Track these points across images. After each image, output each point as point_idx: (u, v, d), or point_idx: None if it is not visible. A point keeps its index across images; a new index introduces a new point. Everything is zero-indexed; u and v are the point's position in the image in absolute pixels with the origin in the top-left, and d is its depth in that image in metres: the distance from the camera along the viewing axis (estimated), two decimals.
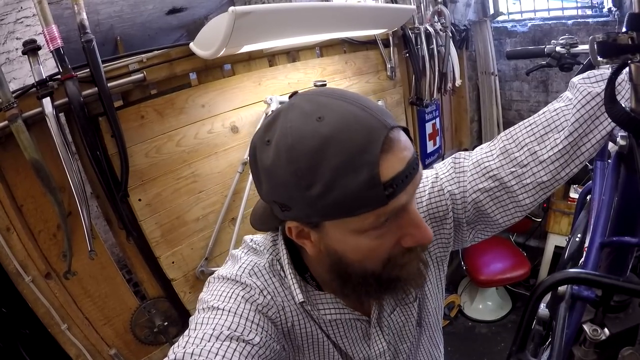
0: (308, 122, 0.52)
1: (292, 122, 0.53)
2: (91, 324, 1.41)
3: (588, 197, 1.50)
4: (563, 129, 0.71)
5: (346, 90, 0.58)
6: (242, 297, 0.65)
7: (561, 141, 0.71)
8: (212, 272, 0.74)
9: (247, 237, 0.78)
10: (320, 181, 0.51)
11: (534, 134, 0.74)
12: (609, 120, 0.67)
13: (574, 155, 0.72)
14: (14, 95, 1.15)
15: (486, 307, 3.13)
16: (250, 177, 1.64)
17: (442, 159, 3.01)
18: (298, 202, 0.55)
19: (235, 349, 0.56)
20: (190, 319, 0.64)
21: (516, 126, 0.77)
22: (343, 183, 0.51)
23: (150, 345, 1.56)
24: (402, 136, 0.56)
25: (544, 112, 0.75)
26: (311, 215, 0.56)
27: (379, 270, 0.62)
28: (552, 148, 0.72)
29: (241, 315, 0.62)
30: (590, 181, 1.46)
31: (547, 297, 1.12)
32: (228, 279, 0.68)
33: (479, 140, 3.68)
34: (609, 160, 1.20)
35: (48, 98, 1.17)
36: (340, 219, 0.55)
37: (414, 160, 0.56)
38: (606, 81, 0.62)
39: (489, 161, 0.76)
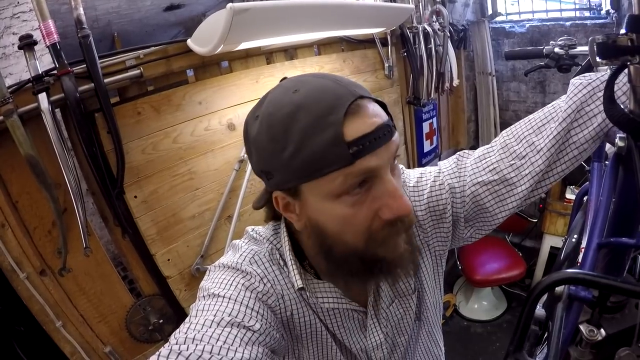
0: (286, 94, 0.58)
1: (274, 96, 0.60)
2: (86, 322, 1.40)
3: (585, 198, 1.51)
4: (558, 118, 0.73)
5: (328, 73, 0.65)
6: (243, 284, 0.66)
7: (555, 127, 0.72)
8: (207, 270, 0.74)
9: (249, 228, 0.79)
10: (291, 143, 0.55)
11: (532, 126, 0.76)
12: (601, 108, 0.68)
13: (567, 142, 0.73)
14: (9, 90, 1.14)
15: (481, 306, 3.14)
16: (247, 175, 1.64)
17: (439, 159, 3.03)
18: (276, 166, 0.59)
19: (236, 335, 0.56)
20: (191, 306, 0.64)
21: (516, 123, 0.79)
22: (310, 143, 0.54)
23: (145, 343, 1.55)
24: (373, 105, 0.59)
25: (542, 109, 0.77)
26: (288, 179, 0.59)
27: (360, 246, 0.62)
28: (547, 136, 0.73)
29: (241, 303, 0.62)
30: (587, 182, 1.46)
31: (544, 297, 1.12)
32: (229, 267, 0.69)
33: (476, 140, 3.70)
34: (606, 162, 1.21)
35: (44, 93, 1.16)
36: (311, 180, 0.57)
37: (386, 127, 0.58)
38: (605, 82, 0.62)
39: (489, 156, 0.78)
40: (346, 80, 0.61)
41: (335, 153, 0.54)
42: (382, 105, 0.62)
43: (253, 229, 0.78)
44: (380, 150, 0.57)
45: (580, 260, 1.09)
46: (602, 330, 0.90)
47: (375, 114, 0.58)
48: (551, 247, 3.00)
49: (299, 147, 0.55)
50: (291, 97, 0.57)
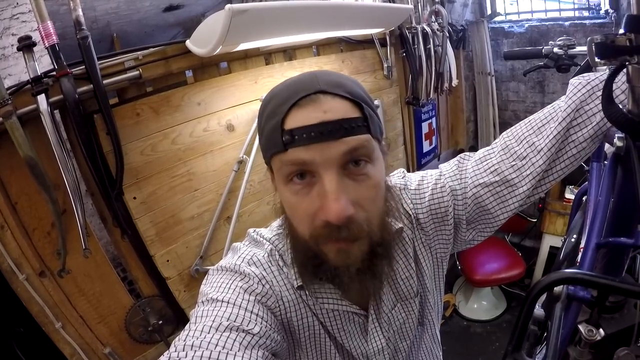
0: (278, 83, 0.65)
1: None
2: (85, 323, 1.40)
3: (584, 198, 1.51)
4: (558, 118, 0.73)
5: (329, 71, 0.66)
6: (241, 287, 0.66)
7: (555, 127, 0.72)
8: (207, 271, 0.74)
9: (251, 230, 0.79)
10: (261, 124, 0.64)
11: (532, 127, 0.76)
12: (600, 107, 0.67)
13: (566, 141, 0.73)
14: (8, 91, 1.14)
15: (481, 306, 3.14)
16: (246, 175, 1.64)
17: (439, 159, 3.01)
18: (259, 139, 0.66)
19: (235, 339, 0.56)
20: (191, 312, 0.64)
21: (516, 125, 0.79)
22: (267, 126, 0.61)
23: (144, 344, 1.55)
24: (334, 102, 0.58)
25: (542, 110, 0.77)
26: (263, 152, 0.66)
27: (307, 237, 0.62)
28: (547, 136, 0.73)
29: (240, 306, 0.62)
30: (586, 182, 1.46)
31: (543, 297, 1.12)
32: (227, 269, 0.69)
33: (475, 141, 3.69)
34: (605, 162, 1.21)
35: (43, 95, 1.16)
36: (266, 158, 0.64)
37: (335, 124, 0.56)
38: (604, 82, 0.62)
39: (490, 158, 0.78)
40: (327, 75, 0.61)
41: (274, 138, 0.58)
42: (359, 105, 0.59)
43: (255, 231, 0.78)
44: (317, 146, 0.56)
45: (579, 260, 1.09)
46: (601, 330, 0.90)
47: (328, 110, 0.57)
48: (551, 246, 3.00)
49: (262, 128, 0.63)
50: (275, 86, 0.64)
